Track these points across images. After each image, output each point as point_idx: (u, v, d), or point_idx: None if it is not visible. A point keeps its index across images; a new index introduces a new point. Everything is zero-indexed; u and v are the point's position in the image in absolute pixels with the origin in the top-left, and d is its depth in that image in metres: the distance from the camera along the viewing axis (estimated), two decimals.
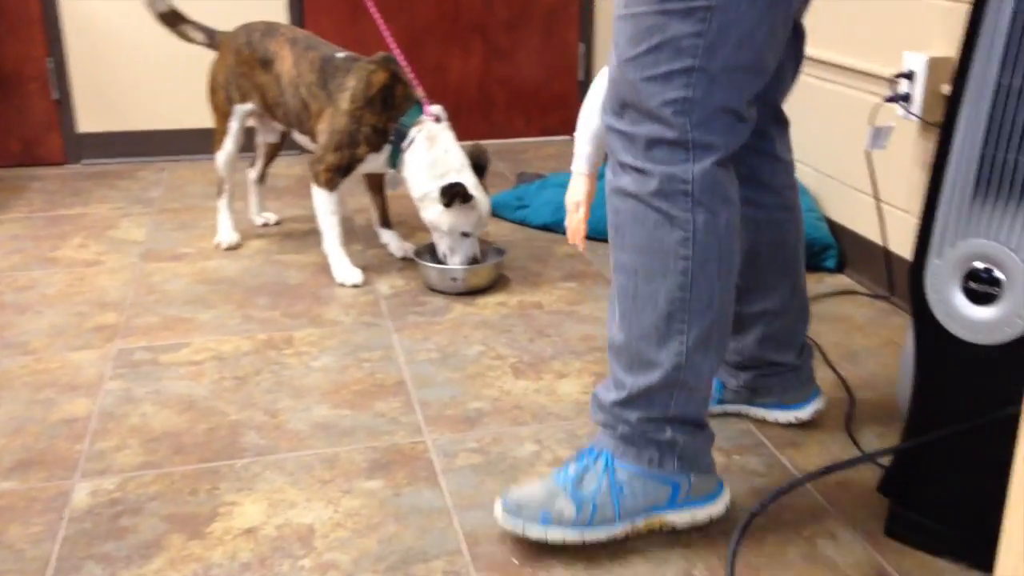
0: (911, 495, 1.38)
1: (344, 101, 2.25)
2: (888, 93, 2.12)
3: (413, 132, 2.26)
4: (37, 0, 3.23)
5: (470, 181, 2.25)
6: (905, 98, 2.07)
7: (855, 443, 1.65)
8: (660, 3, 1.25)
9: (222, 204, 2.59)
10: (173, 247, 2.61)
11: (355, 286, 2.34)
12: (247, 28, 2.44)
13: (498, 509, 1.40)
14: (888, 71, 2.13)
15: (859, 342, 2.04)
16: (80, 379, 1.88)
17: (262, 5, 3.37)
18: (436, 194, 2.23)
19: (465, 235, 2.28)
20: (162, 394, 1.82)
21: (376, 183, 2.53)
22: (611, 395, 1.40)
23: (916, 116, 2.07)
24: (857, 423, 1.72)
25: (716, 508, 1.44)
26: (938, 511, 1.35)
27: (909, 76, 2.06)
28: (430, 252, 2.38)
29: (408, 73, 2.30)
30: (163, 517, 1.45)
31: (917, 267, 1.30)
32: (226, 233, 2.59)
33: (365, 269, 2.41)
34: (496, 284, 2.35)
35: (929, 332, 1.30)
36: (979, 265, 1.23)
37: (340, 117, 2.25)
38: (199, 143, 3.36)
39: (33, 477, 1.56)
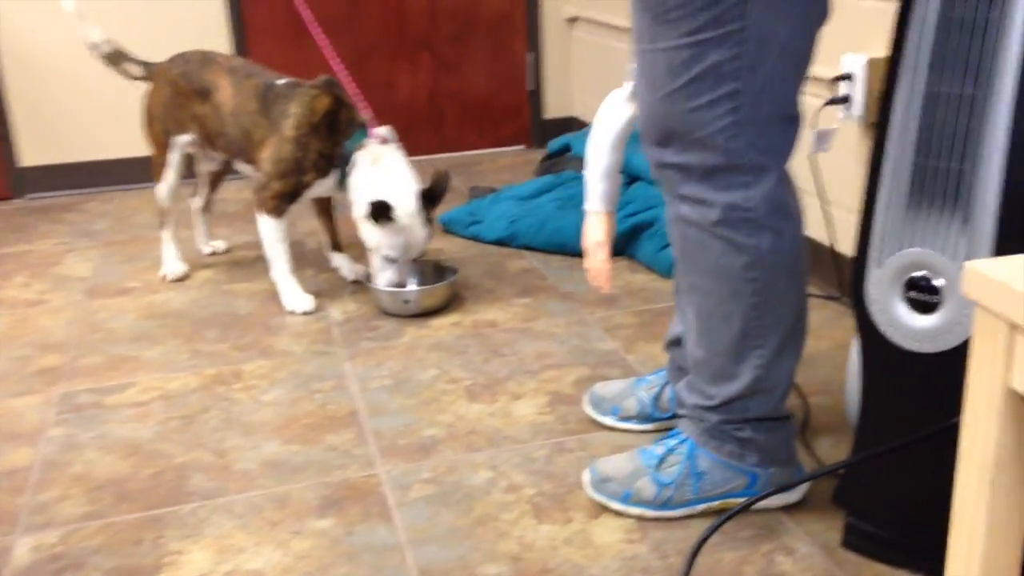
0: (865, 506, 1.37)
1: (288, 128, 2.21)
2: (829, 96, 2.12)
3: (357, 155, 2.23)
4: None
5: (406, 204, 2.19)
6: (845, 100, 2.07)
7: (811, 453, 1.64)
8: (692, 35, 1.23)
9: (166, 235, 2.54)
10: (119, 281, 2.55)
11: (306, 313, 2.30)
12: (183, 58, 2.39)
13: (586, 478, 1.52)
14: (829, 74, 2.13)
15: (811, 345, 2.03)
16: (22, 427, 1.83)
17: (203, 28, 3.32)
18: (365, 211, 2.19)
19: (391, 260, 2.24)
20: (106, 439, 1.78)
21: (323, 207, 2.50)
22: (693, 399, 1.46)
23: (857, 118, 2.07)
24: (812, 430, 1.71)
25: (791, 497, 1.49)
26: (892, 521, 1.34)
27: (849, 78, 2.06)
28: None
29: (352, 95, 2.27)
30: (106, 571, 1.41)
31: (858, 278, 1.29)
32: (172, 265, 2.55)
33: (317, 294, 2.38)
34: (450, 304, 2.33)
35: (873, 342, 1.29)
36: (918, 274, 1.22)
37: (285, 144, 2.21)
38: (147, 171, 3.29)
39: None
